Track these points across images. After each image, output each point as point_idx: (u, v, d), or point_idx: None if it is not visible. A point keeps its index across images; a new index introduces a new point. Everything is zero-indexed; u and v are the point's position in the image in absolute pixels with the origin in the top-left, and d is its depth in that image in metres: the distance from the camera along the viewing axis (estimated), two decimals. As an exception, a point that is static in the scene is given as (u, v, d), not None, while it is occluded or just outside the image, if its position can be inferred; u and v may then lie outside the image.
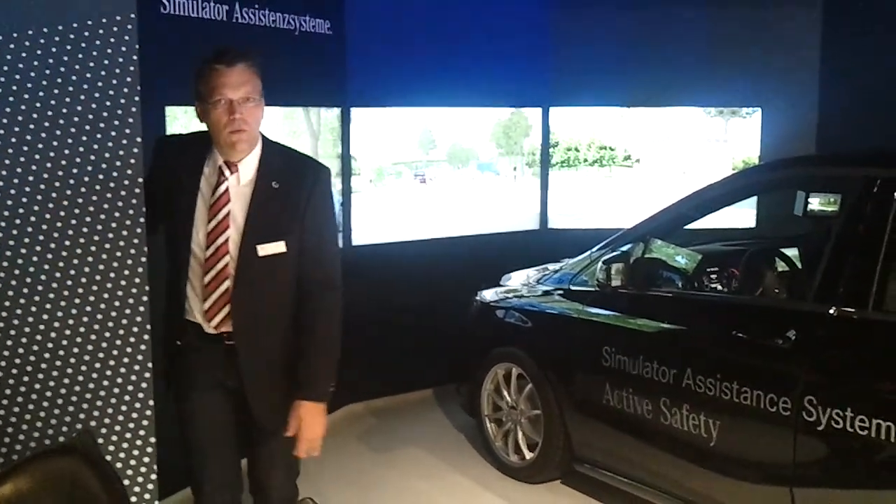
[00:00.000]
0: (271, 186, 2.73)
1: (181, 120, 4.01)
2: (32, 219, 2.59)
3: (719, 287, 4.18)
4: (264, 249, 2.71)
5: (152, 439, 2.68)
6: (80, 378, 2.63)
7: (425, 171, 5.75)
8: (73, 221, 2.58)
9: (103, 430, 2.63)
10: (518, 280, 4.88)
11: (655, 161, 6.33)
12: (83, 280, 2.60)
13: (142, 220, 2.61)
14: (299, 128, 4.88)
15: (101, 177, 2.58)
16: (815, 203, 3.78)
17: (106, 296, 2.61)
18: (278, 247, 2.72)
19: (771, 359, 3.34)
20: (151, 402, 2.65)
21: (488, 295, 4.92)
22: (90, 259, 2.61)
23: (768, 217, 5.93)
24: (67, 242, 2.58)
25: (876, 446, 2.96)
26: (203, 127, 2.76)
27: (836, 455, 3.13)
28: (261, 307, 2.76)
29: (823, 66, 6.09)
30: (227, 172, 2.73)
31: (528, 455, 4.52)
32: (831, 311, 3.19)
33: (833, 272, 3.29)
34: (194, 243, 2.74)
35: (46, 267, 2.60)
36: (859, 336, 3.17)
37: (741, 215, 5.88)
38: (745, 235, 5.34)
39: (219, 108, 2.64)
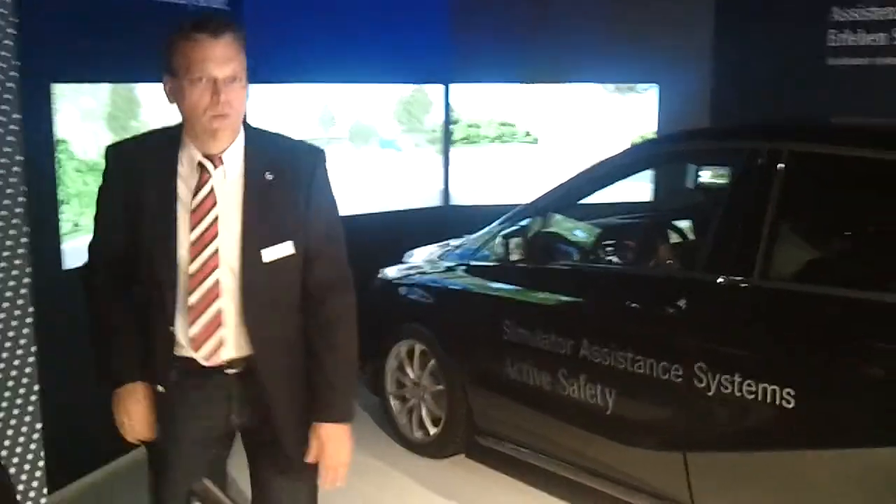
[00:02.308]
0: (265, 179, 2.28)
1: (69, 97, 3.89)
2: None
3: (615, 259, 4.25)
4: (270, 254, 2.27)
5: (38, 425, 2.60)
6: (-40, 365, 2.54)
7: (326, 149, 5.68)
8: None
9: (-14, 419, 2.55)
10: (421, 256, 4.88)
11: (556, 137, 6.39)
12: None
13: (21, 198, 2.52)
14: (194, 105, 4.77)
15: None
16: (706, 176, 3.88)
17: (-15, 279, 2.52)
18: (286, 248, 2.29)
19: (663, 327, 3.42)
20: (36, 388, 2.58)
21: (391, 272, 4.91)
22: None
23: (664, 190, 6.05)
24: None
25: (763, 409, 3.06)
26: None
27: (726, 420, 3.22)
28: (276, 322, 2.33)
29: (716, 41, 6.22)
30: (210, 168, 2.25)
31: (433, 430, 4.54)
32: (720, 280, 3.27)
33: (721, 242, 3.38)
34: (176, 259, 2.25)
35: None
36: (746, 304, 3.26)
37: (638, 189, 5.98)
38: (642, 209, 5.43)
39: (199, 88, 2.16)
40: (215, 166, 2.26)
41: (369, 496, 4.15)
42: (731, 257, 3.29)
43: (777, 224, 3.23)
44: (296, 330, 2.36)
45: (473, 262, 4.36)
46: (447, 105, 6.25)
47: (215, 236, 2.24)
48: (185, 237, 2.24)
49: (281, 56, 5.31)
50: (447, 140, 6.29)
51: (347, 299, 2.40)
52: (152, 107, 4.41)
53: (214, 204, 2.25)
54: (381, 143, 5.98)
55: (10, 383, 2.60)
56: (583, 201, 4.26)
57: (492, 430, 4.27)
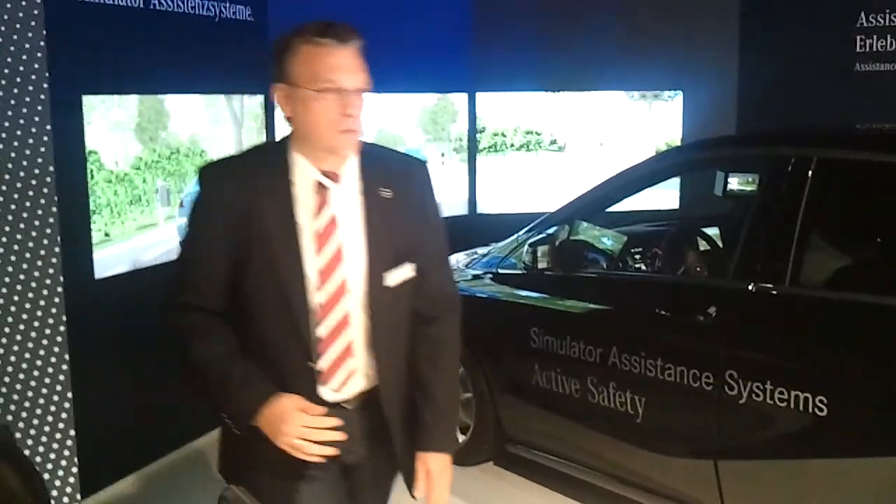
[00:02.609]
0: (382, 196, 2.08)
1: (99, 109, 3.93)
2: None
3: (643, 267, 4.23)
4: (393, 277, 2.08)
5: (72, 433, 2.63)
6: (-5, 373, 2.57)
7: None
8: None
9: (21, 425, 2.57)
10: (447, 265, 4.87)
11: (581, 145, 6.38)
12: (-5, 273, 2.54)
13: (54, 209, 2.55)
14: (222, 116, 4.81)
15: (10, 166, 2.52)
16: (735, 183, 3.86)
17: (19, 288, 2.55)
18: (407, 271, 2.11)
19: (693, 335, 3.40)
20: (70, 395, 2.60)
21: (417, 281, 4.90)
22: (1, 250, 2.54)
23: (691, 198, 6.03)
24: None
25: (795, 417, 3.03)
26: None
27: (758, 427, 3.20)
28: (398, 350, 2.16)
29: (742, 48, 6.19)
30: (330, 187, 2.03)
31: (461, 438, 4.53)
32: (750, 287, 3.26)
33: (751, 249, 3.36)
34: (307, 289, 2.02)
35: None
36: (777, 310, 3.24)
37: (665, 196, 5.96)
38: (669, 216, 5.42)
39: (325, 100, 1.95)
40: (336, 183, 2.04)
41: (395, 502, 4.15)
42: (762, 264, 3.27)
43: (807, 231, 3.21)
44: (407, 355, 2.19)
45: (500, 270, 4.36)
46: (473, 114, 6.26)
47: (340, 261, 2.04)
48: (309, 265, 2.02)
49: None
50: (473, 149, 6.29)
51: (455, 321, 2.25)
52: (181, 118, 4.46)
53: (337, 226, 2.04)
54: (407, 152, 5.99)
55: (44, 390, 2.63)
56: (610, 209, 4.25)
57: (520, 438, 4.26)
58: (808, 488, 3.07)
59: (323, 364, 2.05)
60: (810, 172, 3.22)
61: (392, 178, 2.10)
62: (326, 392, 2.07)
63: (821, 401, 2.96)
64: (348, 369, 2.08)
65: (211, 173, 2.08)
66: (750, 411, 3.16)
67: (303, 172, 2.02)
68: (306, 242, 2.00)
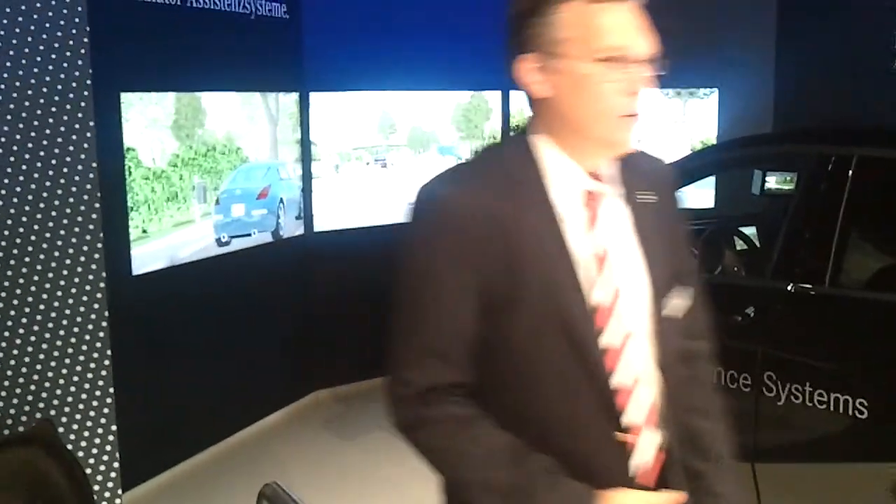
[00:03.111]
0: (645, 202, 1.60)
1: (137, 106, 3.96)
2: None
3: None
4: (676, 306, 1.60)
5: (113, 427, 2.66)
6: (39, 367, 2.60)
7: (386, 156, 5.72)
8: (27, 208, 2.55)
9: (63, 420, 2.61)
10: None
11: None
12: (39, 268, 2.57)
13: (97, 205, 2.58)
14: (257, 113, 4.84)
15: (53, 162, 2.55)
16: (772, 182, 3.82)
17: (62, 284, 2.58)
18: (686, 297, 1.63)
19: (731, 336, 3.36)
20: (112, 391, 2.63)
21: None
22: (45, 246, 2.58)
23: (727, 196, 5.98)
24: (21, 230, 2.55)
25: (835, 420, 3.00)
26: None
27: (796, 430, 3.17)
28: (682, 404, 1.64)
29: (779, 46, 6.14)
30: (601, 194, 1.55)
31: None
32: (789, 288, 3.22)
33: (790, 249, 3.32)
34: (592, 333, 1.48)
35: (1, 255, 2.57)
36: (816, 311, 3.20)
37: (700, 195, 5.92)
38: (705, 215, 5.38)
39: (614, 72, 1.46)
40: (606, 185, 1.56)
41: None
42: (800, 264, 3.24)
43: (847, 231, 3.17)
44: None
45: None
46: (506, 111, 6.24)
47: (622, 290, 1.52)
48: (590, 297, 1.49)
49: (341, 65, 5.36)
50: (506, 146, 6.28)
51: (712, 355, 1.81)
52: (217, 116, 4.49)
53: (614, 246, 1.53)
54: (440, 149, 5.99)
55: (87, 385, 2.66)
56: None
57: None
58: (848, 493, 3.04)
59: (629, 432, 1.51)
60: (851, 171, 3.18)
61: (648, 178, 1.64)
62: (629, 470, 1.52)
63: (861, 403, 2.92)
64: (653, 434, 1.55)
65: (451, 197, 1.49)
66: (788, 413, 3.13)
67: (566, 176, 1.52)
68: (582, 268, 1.49)
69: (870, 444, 2.96)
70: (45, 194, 2.54)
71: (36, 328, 2.60)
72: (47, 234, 2.57)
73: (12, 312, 2.56)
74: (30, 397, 2.60)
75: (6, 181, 2.45)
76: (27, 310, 2.60)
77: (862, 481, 3.01)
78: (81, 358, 2.59)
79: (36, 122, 2.54)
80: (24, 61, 2.54)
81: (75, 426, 2.63)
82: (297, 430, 5.01)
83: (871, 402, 2.90)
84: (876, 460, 2.96)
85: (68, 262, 2.57)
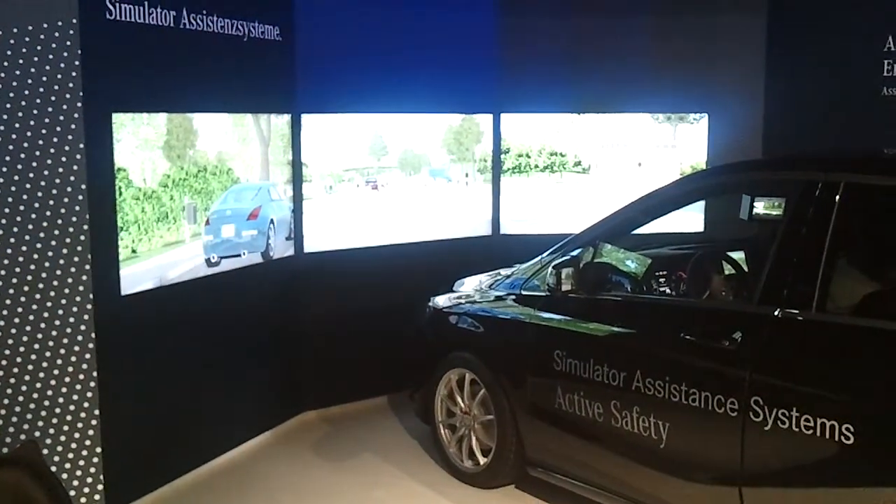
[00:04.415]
0: None
1: (128, 127, 3.97)
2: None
3: (667, 290, 4.22)
4: None
5: (98, 449, 2.65)
6: (25, 388, 2.59)
7: (377, 178, 5.73)
8: (15, 229, 2.55)
9: (48, 441, 2.59)
10: (471, 285, 4.88)
11: (606, 167, 6.37)
12: (26, 289, 2.57)
13: (85, 226, 2.58)
14: (249, 134, 4.85)
15: (42, 183, 2.55)
16: (760, 207, 3.83)
17: (49, 305, 2.58)
18: None
19: (718, 360, 3.38)
20: (97, 412, 2.62)
21: (441, 301, 4.91)
22: (32, 267, 2.58)
23: (716, 221, 6.00)
24: (9, 251, 2.55)
25: (821, 445, 3.00)
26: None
27: (783, 455, 3.17)
28: None
29: (768, 71, 6.18)
30: None
31: (482, 460, 4.52)
32: (776, 313, 3.23)
33: (777, 274, 3.34)
34: None
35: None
36: (803, 337, 3.21)
37: (690, 219, 5.94)
38: (694, 239, 5.39)
39: None
40: None
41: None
42: (788, 290, 3.25)
43: (834, 256, 3.19)
44: None
45: (524, 292, 4.36)
46: (497, 134, 6.27)
47: None
48: None
49: (333, 87, 5.38)
50: (497, 169, 6.30)
51: None
52: (209, 136, 4.50)
53: None
54: (432, 172, 6.01)
55: (72, 407, 2.65)
56: (634, 232, 4.24)
57: (543, 462, 4.24)
58: (835, 517, 3.04)
59: None
60: (838, 197, 3.20)
61: None
62: None
63: (847, 429, 2.92)
64: None
65: None
66: (775, 438, 3.13)
67: None
68: None
69: (856, 469, 2.96)
70: (33, 215, 2.54)
71: (22, 349, 2.59)
72: (35, 255, 2.56)
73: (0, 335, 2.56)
74: (15, 418, 2.59)
75: (-5, 201, 2.46)
76: (13, 330, 2.59)
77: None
78: (67, 379, 2.58)
79: (26, 144, 2.54)
80: (14, 83, 2.55)
81: (60, 448, 2.62)
82: (285, 451, 4.99)
83: (858, 428, 2.91)
84: (862, 485, 2.96)
85: (55, 282, 2.57)
